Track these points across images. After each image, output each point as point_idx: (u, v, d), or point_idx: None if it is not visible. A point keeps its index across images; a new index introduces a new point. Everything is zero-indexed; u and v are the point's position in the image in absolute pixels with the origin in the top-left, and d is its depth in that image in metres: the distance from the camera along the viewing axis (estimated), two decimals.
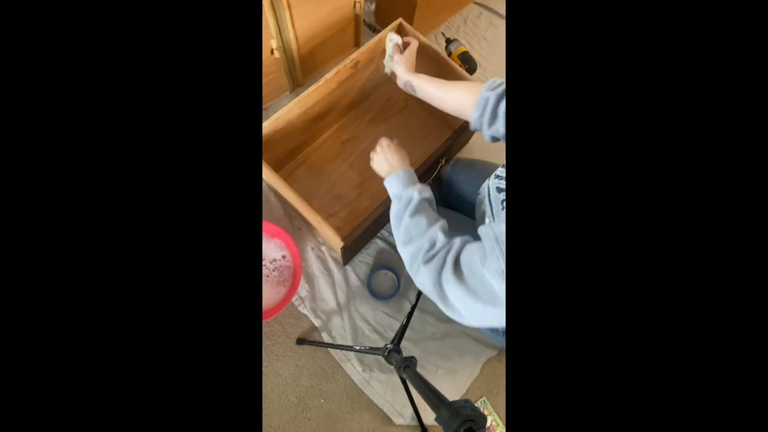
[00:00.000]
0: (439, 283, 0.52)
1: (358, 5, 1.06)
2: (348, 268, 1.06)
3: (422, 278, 0.55)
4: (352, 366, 0.99)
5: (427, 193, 0.64)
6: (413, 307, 0.97)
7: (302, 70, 1.11)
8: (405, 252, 0.59)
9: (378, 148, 0.75)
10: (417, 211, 0.61)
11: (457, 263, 0.51)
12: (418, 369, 0.65)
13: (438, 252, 0.54)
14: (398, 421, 0.97)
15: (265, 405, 0.96)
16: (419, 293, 1.03)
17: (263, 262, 1.02)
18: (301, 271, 0.99)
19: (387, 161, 0.72)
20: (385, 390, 0.98)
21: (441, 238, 0.55)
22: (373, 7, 1.30)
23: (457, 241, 0.54)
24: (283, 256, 1.03)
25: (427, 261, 0.54)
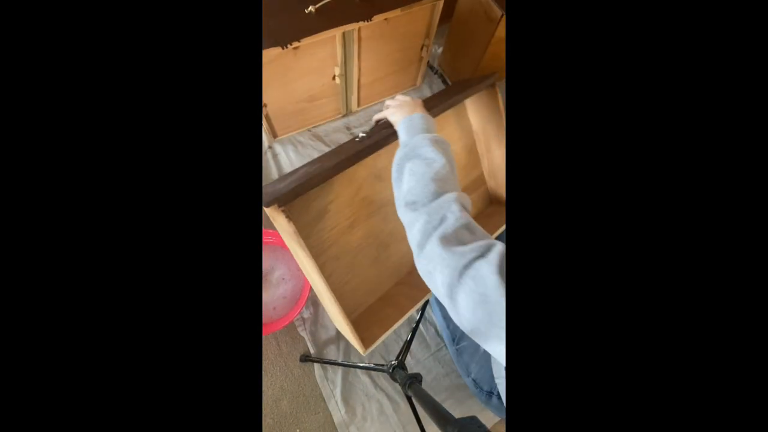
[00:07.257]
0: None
1: (425, 48, 1.08)
2: None
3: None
4: (336, 405, 0.96)
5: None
6: (417, 323, 0.92)
7: (358, 99, 1.14)
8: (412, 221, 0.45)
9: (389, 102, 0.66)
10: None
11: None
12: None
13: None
14: None
15: None
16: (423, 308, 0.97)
17: (275, 273, 1.02)
18: (308, 288, 0.99)
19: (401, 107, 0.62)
20: None
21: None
22: (440, 50, 1.32)
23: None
24: (294, 271, 1.02)
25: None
